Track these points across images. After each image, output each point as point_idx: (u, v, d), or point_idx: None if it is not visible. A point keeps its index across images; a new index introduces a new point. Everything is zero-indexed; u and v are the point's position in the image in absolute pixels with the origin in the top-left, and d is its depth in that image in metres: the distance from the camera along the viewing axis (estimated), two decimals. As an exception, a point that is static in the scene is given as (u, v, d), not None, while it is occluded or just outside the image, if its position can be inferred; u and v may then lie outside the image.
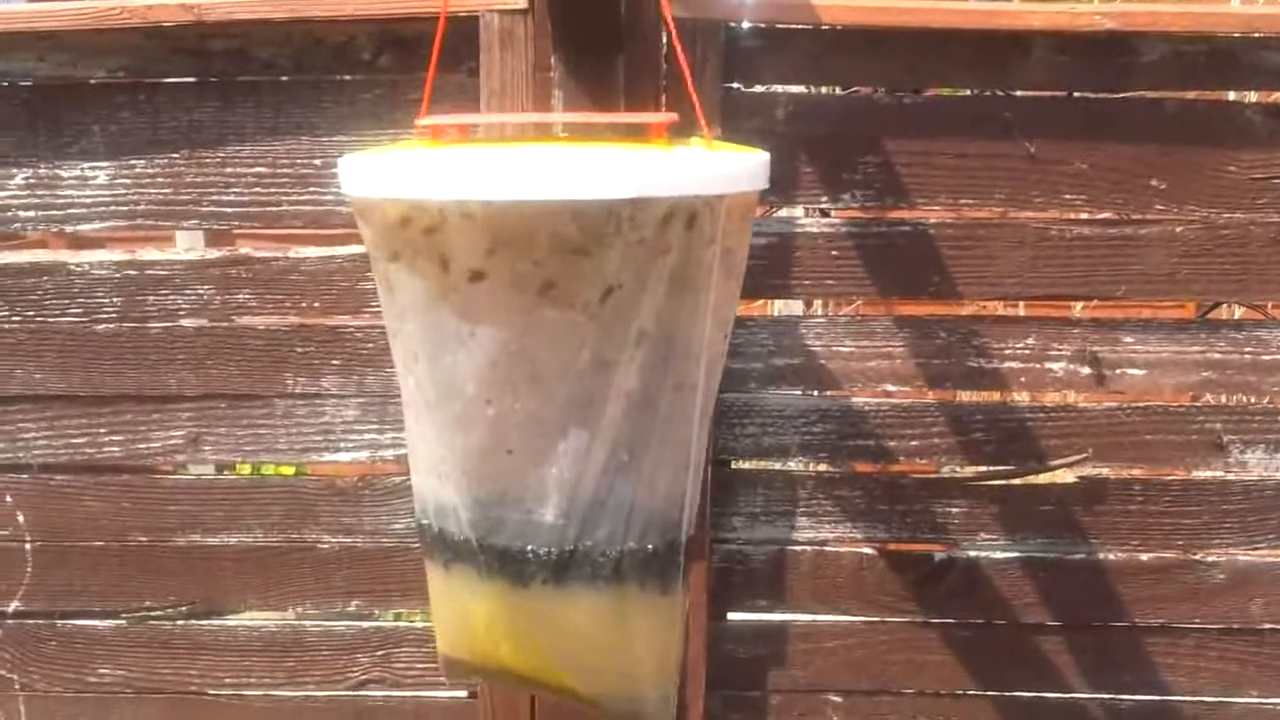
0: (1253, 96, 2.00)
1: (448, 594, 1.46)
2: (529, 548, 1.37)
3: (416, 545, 1.91)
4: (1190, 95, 1.94)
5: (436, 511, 1.42)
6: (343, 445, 2.05)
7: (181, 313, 2.02)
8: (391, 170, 1.29)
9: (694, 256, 1.28)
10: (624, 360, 1.29)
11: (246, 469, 2.53)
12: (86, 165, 1.97)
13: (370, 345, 2.00)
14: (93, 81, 1.95)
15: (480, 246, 1.25)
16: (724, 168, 1.31)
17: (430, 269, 1.29)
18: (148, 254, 2.02)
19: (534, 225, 1.24)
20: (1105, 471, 2.05)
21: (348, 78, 1.93)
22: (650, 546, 1.37)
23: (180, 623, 2.15)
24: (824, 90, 2.10)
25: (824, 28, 1.88)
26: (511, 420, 1.33)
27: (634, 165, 1.26)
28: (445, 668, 1.51)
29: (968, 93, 1.96)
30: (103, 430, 2.07)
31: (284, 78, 1.94)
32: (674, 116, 1.37)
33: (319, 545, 2.10)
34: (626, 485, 1.34)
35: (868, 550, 2.08)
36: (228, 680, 2.16)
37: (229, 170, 1.96)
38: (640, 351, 1.30)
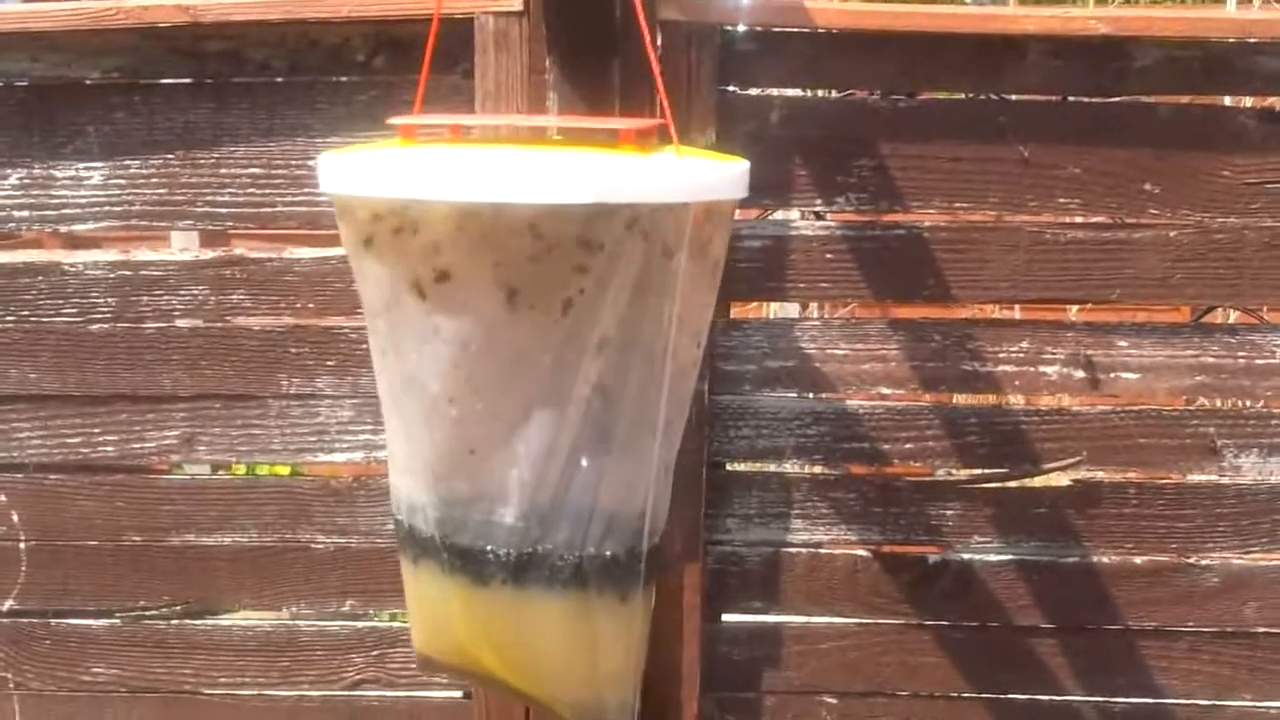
0: (1247, 101, 2.00)
1: (417, 590, 1.47)
2: (489, 548, 1.37)
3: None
4: (1184, 100, 1.94)
5: (408, 508, 1.44)
6: (337, 446, 2.05)
7: (176, 313, 2.02)
8: (356, 169, 1.30)
9: (657, 264, 1.28)
10: (585, 366, 1.30)
11: (241, 469, 2.53)
12: (81, 165, 1.98)
13: (364, 346, 1.98)
14: (88, 82, 1.96)
15: (442, 246, 1.27)
16: (689, 176, 1.30)
17: (397, 267, 1.30)
18: (142, 254, 2.03)
19: (494, 227, 1.25)
20: (1099, 475, 2.05)
21: (343, 79, 1.93)
22: (609, 553, 1.38)
23: (174, 622, 2.15)
24: (819, 93, 2.11)
25: (819, 31, 1.89)
26: (474, 420, 1.34)
27: (594, 171, 1.26)
28: (420, 663, 1.53)
29: (962, 96, 1.96)
30: (97, 430, 2.07)
31: (279, 79, 1.94)
32: (650, 122, 1.36)
33: (313, 545, 2.10)
34: (586, 490, 1.35)
35: (862, 552, 2.08)
36: (222, 680, 2.16)
37: (224, 171, 1.97)
38: (602, 358, 1.30)
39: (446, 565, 1.40)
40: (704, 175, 1.32)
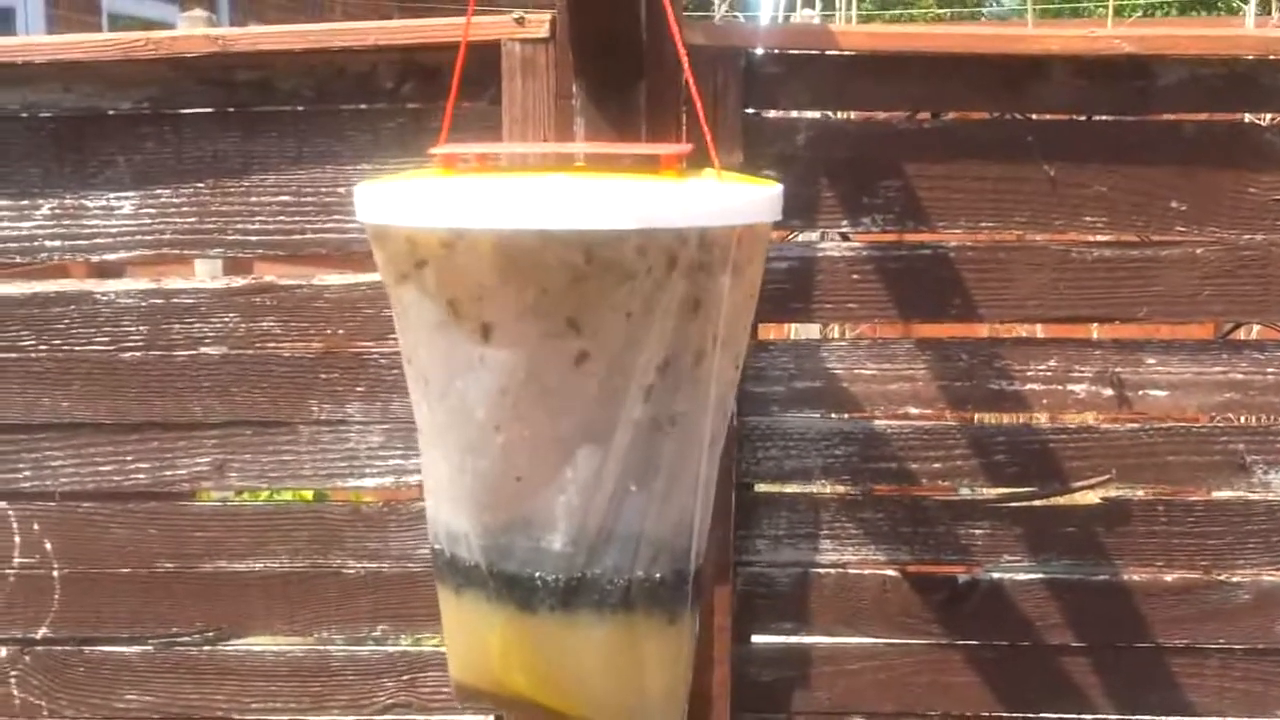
0: (1271, 119, 2.01)
1: (459, 619, 1.47)
2: (537, 574, 1.37)
3: (438, 570, 1.91)
4: (1209, 118, 1.95)
5: (448, 537, 1.43)
6: (367, 471, 2.06)
7: (207, 340, 2.04)
8: (401, 198, 1.31)
9: (703, 287, 1.28)
10: (633, 390, 1.30)
11: (266, 494, 2.54)
12: (112, 195, 1.99)
13: (395, 371, 2.01)
14: (117, 112, 1.98)
15: (488, 274, 1.27)
16: (733, 200, 1.31)
17: (439, 295, 1.30)
18: (173, 283, 2.04)
19: (541, 255, 1.25)
20: (1128, 492, 2.05)
21: (370, 107, 1.95)
22: (658, 575, 1.38)
23: (206, 649, 2.16)
24: (843, 115, 2.11)
25: (842, 54, 1.90)
26: (520, 447, 1.34)
27: (641, 196, 1.27)
28: (458, 692, 1.53)
29: (987, 116, 1.97)
30: (129, 458, 2.08)
31: (306, 107, 1.96)
32: (687, 147, 1.37)
33: (344, 570, 2.11)
34: (634, 514, 1.35)
35: (891, 572, 2.08)
36: (254, 706, 2.17)
37: (253, 199, 1.98)
38: (649, 382, 1.30)
39: (492, 593, 1.39)
40: (747, 198, 1.33)
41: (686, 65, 1.46)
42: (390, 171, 1.91)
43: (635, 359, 1.29)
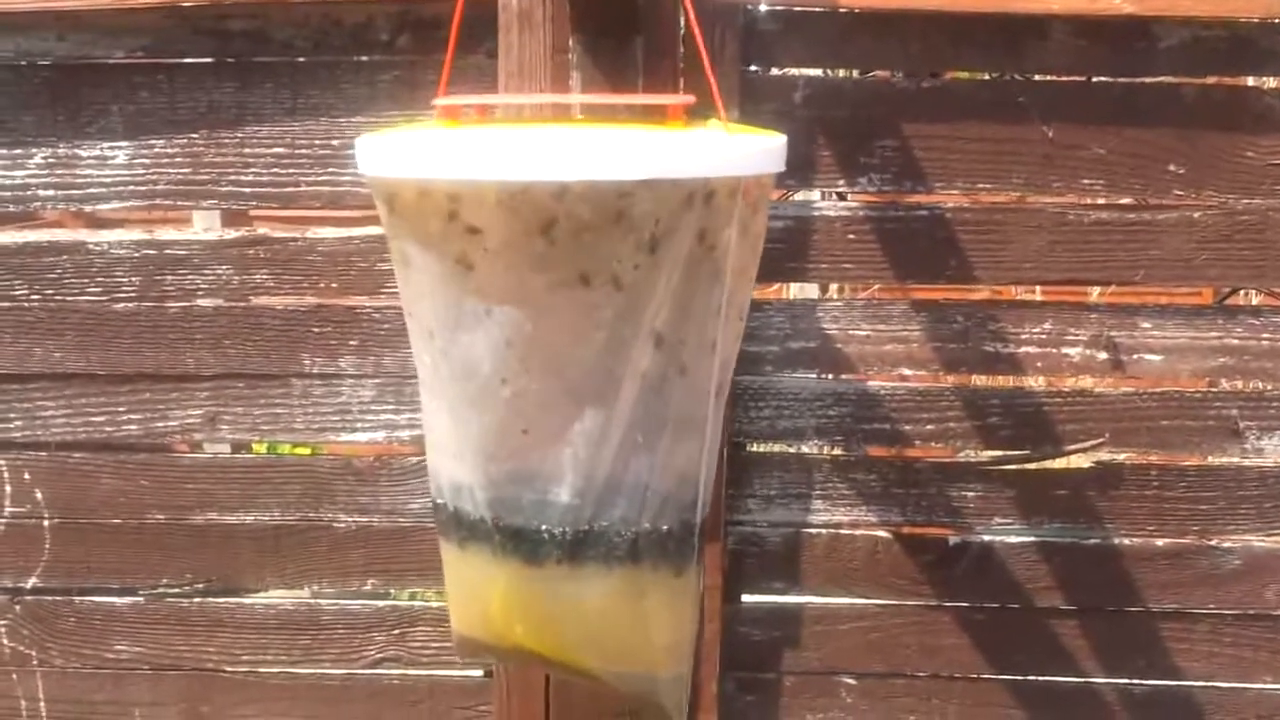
0: (1271, 82, 1.99)
1: (462, 573, 1.46)
2: (544, 527, 1.36)
3: (433, 525, 1.92)
4: (1209, 81, 1.93)
5: (451, 490, 1.42)
6: (359, 425, 2.06)
7: (199, 292, 2.03)
8: (407, 150, 1.29)
9: (709, 239, 1.28)
10: (639, 343, 1.29)
11: (263, 448, 2.54)
12: (105, 145, 1.98)
13: (387, 326, 2.01)
14: (112, 61, 1.96)
15: (494, 226, 1.25)
16: (741, 150, 1.30)
17: (446, 248, 1.29)
18: (166, 234, 2.03)
19: (548, 206, 1.24)
20: (1121, 457, 2.05)
21: (366, 59, 1.94)
22: (665, 527, 1.37)
23: (197, 600, 2.16)
24: (842, 73, 2.10)
25: (842, 11, 1.88)
26: (527, 400, 1.33)
27: (649, 146, 1.26)
28: (459, 646, 1.52)
29: (986, 77, 1.96)
30: (121, 409, 2.08)
31: (302, 59, 1.95)
32: (691, 98, 1.36)
33: (335, 525, 2.11)
34: (641, 466, 1.34)
35: (883, 533, 2.08)
36: (244, 658, 2.17)
37: (247, 151, 1.97)
38: (656, 333, 1.30)
39: (498, 546, 1.39)
40: (753, 149, 1.32)
41: (693, 16, 1.44)
42: (385, 124, 1.90)
43: (643, 311, 1.28)
